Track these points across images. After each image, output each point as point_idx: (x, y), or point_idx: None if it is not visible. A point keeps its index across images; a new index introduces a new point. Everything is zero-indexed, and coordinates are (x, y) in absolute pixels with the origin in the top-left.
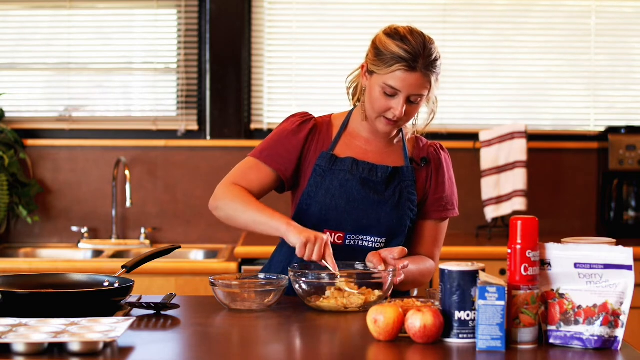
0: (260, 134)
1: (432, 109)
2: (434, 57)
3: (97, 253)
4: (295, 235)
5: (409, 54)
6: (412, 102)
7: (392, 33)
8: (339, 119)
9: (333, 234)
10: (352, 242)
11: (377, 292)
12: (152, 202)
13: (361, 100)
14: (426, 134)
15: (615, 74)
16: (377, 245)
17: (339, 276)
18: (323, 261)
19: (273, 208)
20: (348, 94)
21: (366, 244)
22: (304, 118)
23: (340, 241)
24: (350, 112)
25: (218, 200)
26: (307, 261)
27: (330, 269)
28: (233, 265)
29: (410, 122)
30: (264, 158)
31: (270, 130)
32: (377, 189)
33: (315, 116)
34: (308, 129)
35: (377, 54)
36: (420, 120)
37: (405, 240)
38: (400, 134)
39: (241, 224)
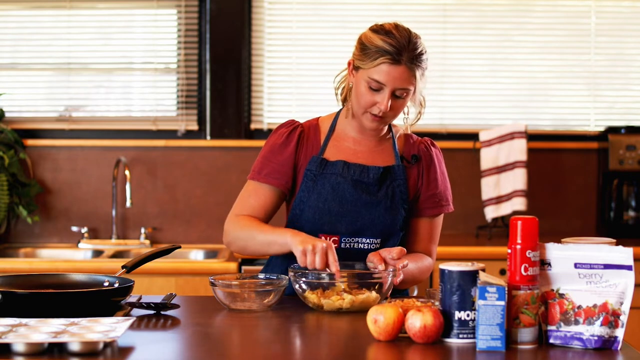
0: (260, 134)
1: (419, 110)
2: (419, 50)
3: (97, 253)
4: (295, 246)
5: (394, 47)
6: (397, 97)
7: (378, 29)
8: (327, 122)
9: (328, 238)
10: (347, 245)
11: (374, 293)
12: (152, 202)
13: (348, 98)
14: (425, 134)
15: (615, 74)
16: (373, 246)
17: (339, 282)
18: (327, 269)
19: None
20: (336, 94)
21: (362, 246)
22: (291, 127)
23: (336, 245)
24: (338, 114)
25: (228, 236)
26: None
27: (334, 275)
28: (233, 265)
29: (401, 120)
30: (261, 178)
31: (270, 130)
32: (370, 190)
33: (302, 121)
34: (296, 137)
35: (362, 49)
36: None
37: (401, 238)
38: (391, 132)
39: (254, 252)
